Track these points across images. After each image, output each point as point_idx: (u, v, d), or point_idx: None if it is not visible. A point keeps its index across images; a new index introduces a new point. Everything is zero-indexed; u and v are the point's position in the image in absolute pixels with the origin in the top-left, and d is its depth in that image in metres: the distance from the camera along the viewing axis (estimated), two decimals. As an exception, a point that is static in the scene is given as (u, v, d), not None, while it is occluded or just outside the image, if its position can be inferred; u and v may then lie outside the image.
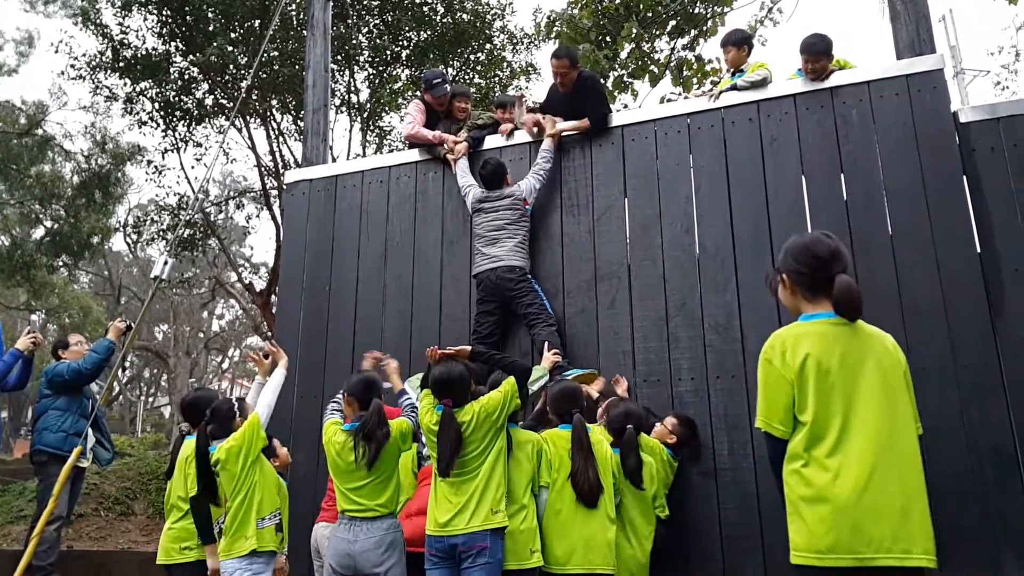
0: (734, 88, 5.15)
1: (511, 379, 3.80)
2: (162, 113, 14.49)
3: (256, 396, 4.42)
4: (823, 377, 2.47)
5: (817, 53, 4.87)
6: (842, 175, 4.66)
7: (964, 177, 4.44)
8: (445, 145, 5.70)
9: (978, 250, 4.32)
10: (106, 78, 14.54)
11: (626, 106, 11.19)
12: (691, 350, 4.71)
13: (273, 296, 15.21)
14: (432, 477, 3.75)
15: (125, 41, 13.94)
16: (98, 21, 14.09)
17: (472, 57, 15.31)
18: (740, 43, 5.69)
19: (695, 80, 10.58)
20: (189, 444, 4.16)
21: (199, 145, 15.57)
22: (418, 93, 8.79)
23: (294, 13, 13.72)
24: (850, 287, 2.53)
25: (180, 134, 15.02)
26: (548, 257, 5.24)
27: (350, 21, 14.22)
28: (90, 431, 5.85)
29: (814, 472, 2.43)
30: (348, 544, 3.61)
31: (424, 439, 4.00)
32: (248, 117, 15.29)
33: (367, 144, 16.14)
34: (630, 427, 3.95)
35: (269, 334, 14.68)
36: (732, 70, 5.71)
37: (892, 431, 2.44)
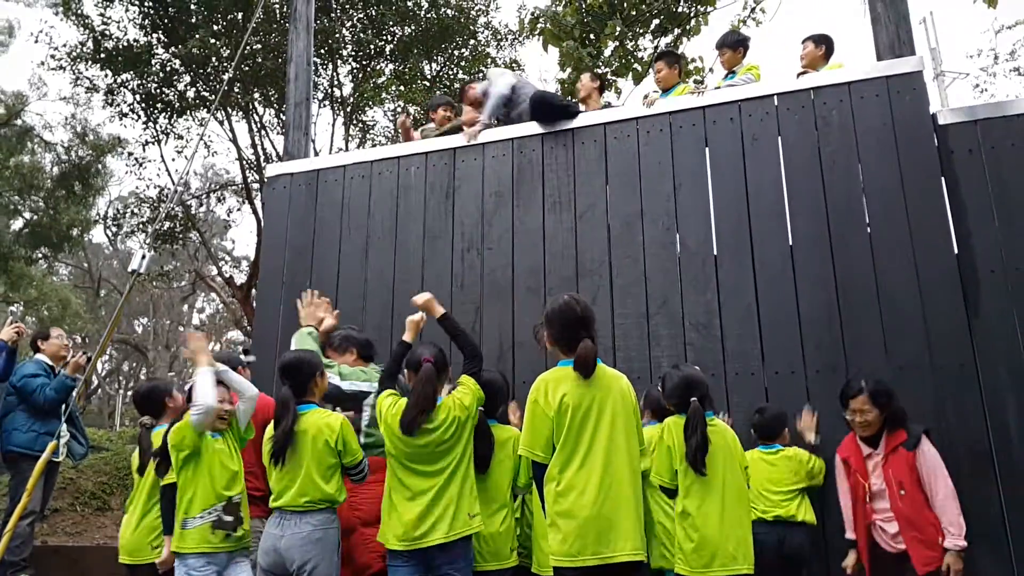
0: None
1: (471, 379, 3.69)
2: (143, 105, 14.38)
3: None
4: (575, 414, 3.08)
5: (806, 40, 5.50)
6: (822, 175, 4.69)
7: (942, 178, 4.48)
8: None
9: (955, 251, 4.36)
10: (87, 69, 14.40)
11: (609, 104, 11.19)
12: (671, 348, 4.73)
13: (253, 290, 15.12)
14: (388, 475, 3.55)
15: (106, 32, 13.80)
16: (79, 11, 13.94)
17: (456, 53, 15.28)
18: (735, 45, 5.78)
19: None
20: (159, 435, 4.09)
21: (180, 137, 15.47)
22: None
23: (277, 6, 13.63)
24: (586, 353, 3.13)
25: (161, 126, 14.91)
26: (530, 253, 5.24)
27: (334, 15, 14.15)
28: (64, 426, 5.79)
29: (565, 491, 3.02)
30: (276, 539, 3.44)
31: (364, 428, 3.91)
32: (230, 110, 15.18)
33: (350, 139, 16.08)
34: (695, 399, 3.63)
35: (249, 328, 14.59)
36: (727, 71, 5.78)
37: (626, 457, 3.08)
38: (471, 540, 3.48)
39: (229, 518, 3.62)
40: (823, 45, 5.50)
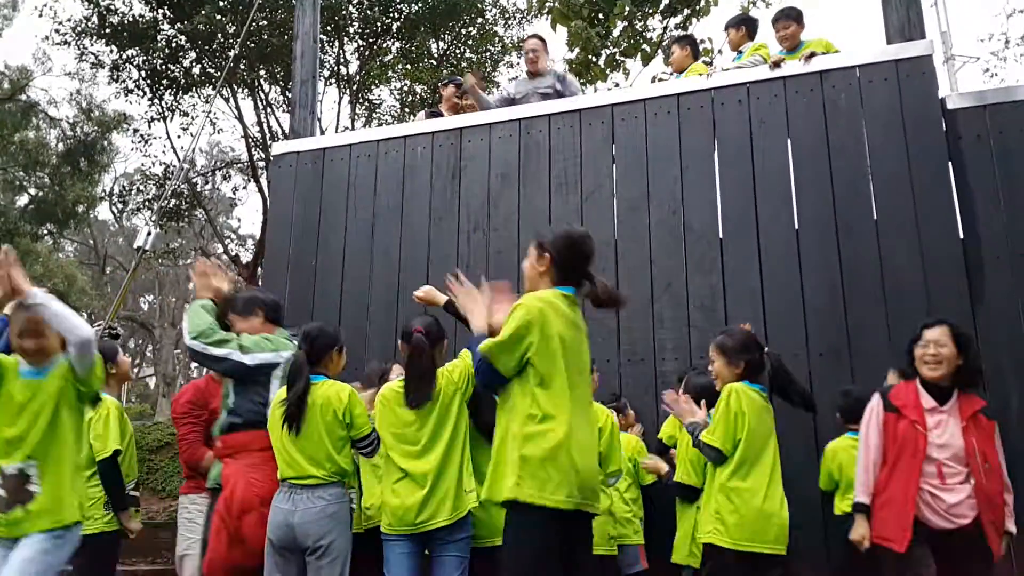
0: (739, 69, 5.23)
1: (469, 354, 3.53)
2: (149, 81, 14.36)
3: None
4: (568, 350, 2.76)
5: (783, 19, 5.29)
6: (829, 159, 4.68)
7: (950, 163, 4.47)
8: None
9: (961, 236, 4.36)
10: (92, 44, 14.37)
11: (617, 85, 11.15)
12: (675, 330, 4.74)
13: (259, 269, 15.14)
14: (384, 460, 3.53)
15: (111, 7, 13.75)
16: (84, -15, 13.89)
17: (464, 31, 15.20)
18: (739, 25, 5.77)
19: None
20: (104, 402, 3.96)
21: (186, 114, 15.46)
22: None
23: (284, -18, 13.56)
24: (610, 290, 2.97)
25: (167, 103, 14.91)
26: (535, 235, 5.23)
27: (340, -8, 14.08)
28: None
29: (547, 425, 2.67)
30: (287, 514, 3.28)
31: None
32: (236, 87, 15.15)
33: (356, 117, 16.04)
34: (768, 350, 3.60)
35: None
36: (735, 52, 5.78)
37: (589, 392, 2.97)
38: (470, 513, 3.47)
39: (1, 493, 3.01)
40: (802, 21, 5.34)
